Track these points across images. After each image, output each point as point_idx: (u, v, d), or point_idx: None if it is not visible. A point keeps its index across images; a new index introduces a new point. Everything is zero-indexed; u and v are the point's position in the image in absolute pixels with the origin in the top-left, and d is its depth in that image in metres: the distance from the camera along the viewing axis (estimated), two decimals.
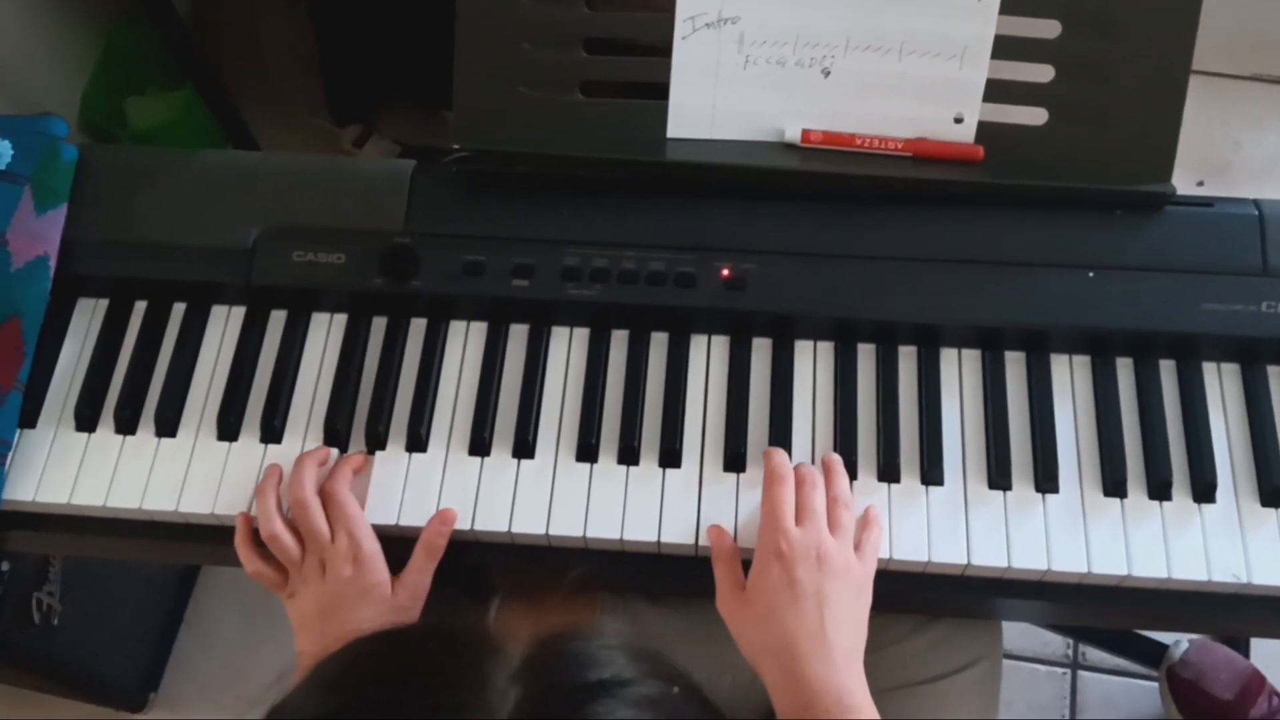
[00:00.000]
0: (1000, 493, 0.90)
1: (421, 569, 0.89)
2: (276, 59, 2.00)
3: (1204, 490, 0.90)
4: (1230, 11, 1.97)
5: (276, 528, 0.87)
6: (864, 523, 0.88)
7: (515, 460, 0.93)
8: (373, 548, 0.87)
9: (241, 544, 0.90)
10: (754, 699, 0.97)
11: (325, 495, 0.88)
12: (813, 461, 0.92)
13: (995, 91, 0.94)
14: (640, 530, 0.90)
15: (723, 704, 0.97)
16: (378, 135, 1.94)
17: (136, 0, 1.60)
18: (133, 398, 0.96)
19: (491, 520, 0.90)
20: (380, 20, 1.75)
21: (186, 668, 1.68)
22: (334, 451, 0.93)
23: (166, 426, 0.95)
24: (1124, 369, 0.95)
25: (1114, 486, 0.90)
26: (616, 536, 0.90)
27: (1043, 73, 0.93)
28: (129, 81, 1.76)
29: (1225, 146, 1.97)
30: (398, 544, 0.89)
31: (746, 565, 0.86)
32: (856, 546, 0.85)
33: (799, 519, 0.84)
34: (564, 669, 0.56)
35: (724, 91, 0.96)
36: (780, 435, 0.92)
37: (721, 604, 0.85)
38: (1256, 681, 1.43)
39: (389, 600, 0.86)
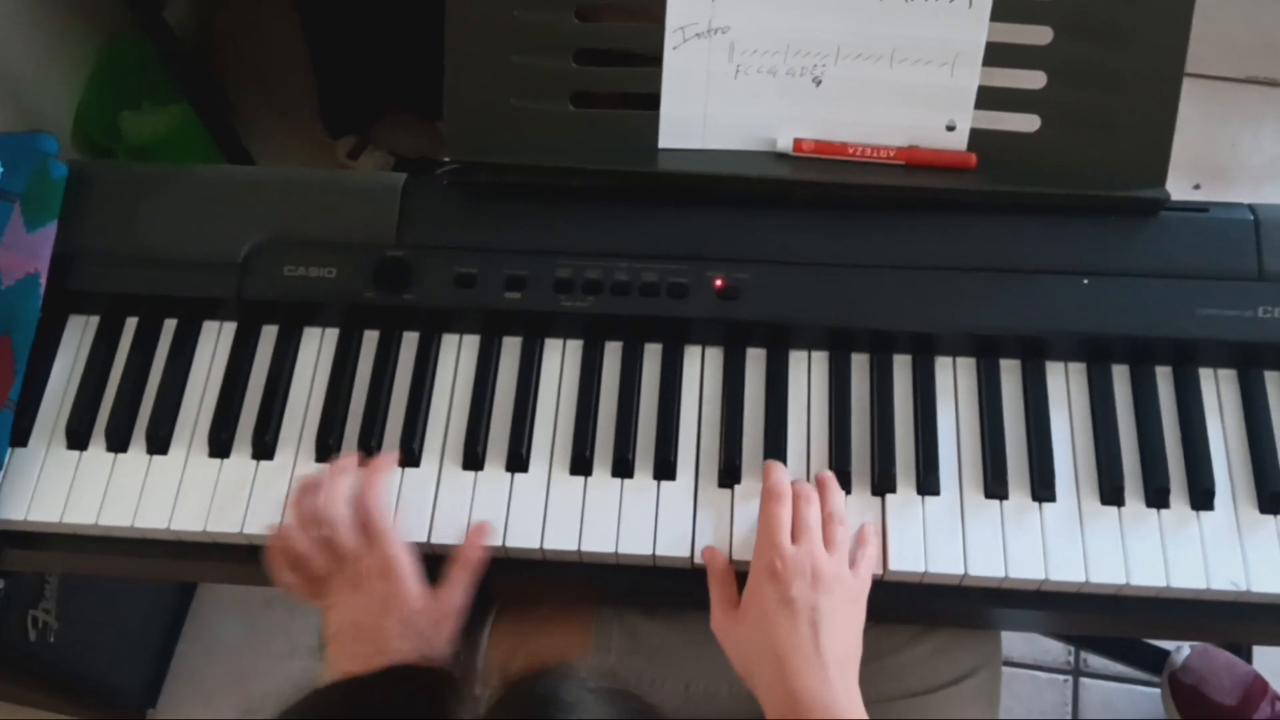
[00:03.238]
0: (997, 502, 0.90)
1: (459, 583, 0.87)
2: (273, 70, 2.01)
3: (1202, 497, 0.89)
4: (1226, 15, 1.98)
5: (308, 543, 0.87)
6: (860, 539, 0.88)
7: (509, 474, 0.92)
8: (405, 562, 0.85)
9: (273, 558, 0.89)
10: (751, 709, 0.96)
11: (357, 508, 0.87)
12: (808, 473, 0.91)
13: (987, 98, 0.94)
14: (635, 543, 0.89)
15: (720, 715, 0.97)
16: (372, 146, 1.94)
17: (131, 15, 1.60)
18: (124, 415, 0.96)
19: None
20: (374, 32, 1.75)
21: (187, 679, 1.68)
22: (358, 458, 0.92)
23: (158, 444, 0.94)
24: (1120, 376, 0.95)
25: (1111, 494, 0.90)
26: (611, 550, 0.89)
27: (1035, 79, 0.93)
28: (124, 96, 1.76)
29: (1222, 149, 1.97)
30: None
31: (741, 578, 0.85)
32: (852, 562, 0.85)
33: (794, 536, 0.84)
34: (530, 713, 0.56)
35: (715, 101, 0.95)
36: (775, 446, 0.92)
37: (715, 623, 0.85)
38: (1259, 687, 1.43)
39: (422, 614, 0.85)
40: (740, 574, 0.86)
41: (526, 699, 0.57)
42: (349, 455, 0.91)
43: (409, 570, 0.86)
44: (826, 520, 0.86)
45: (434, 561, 0.89)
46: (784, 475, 0.87)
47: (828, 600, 0.81)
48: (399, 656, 0.83)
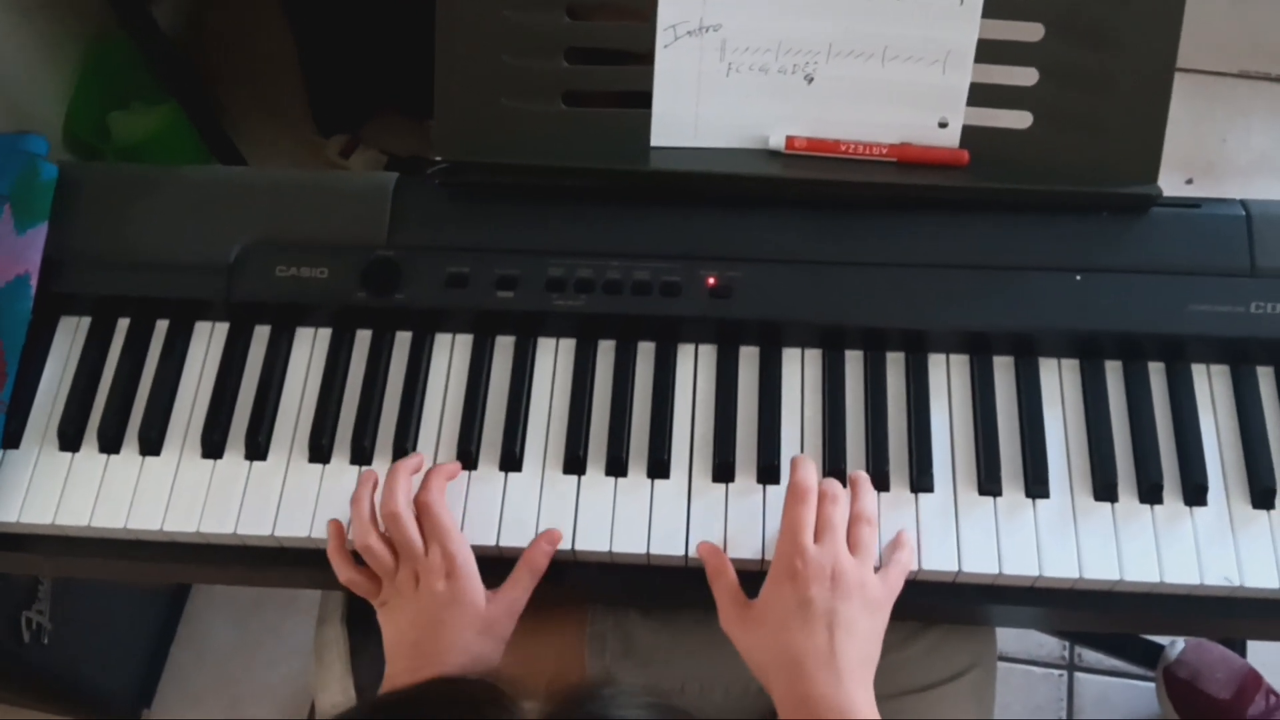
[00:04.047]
0: (990, 499, 0.90)
1: (522, 586, 0.87)
2: (263, 69, 2.00)
3: (1195, 493, 0.89)
4: (1217, 9, 1.98)
5: (371, 539, 0.86)
6: (894, 544, 0.87)
7: (502, 473, 0.92)
8: (467, 562, 0.85)
9: (335, 552, 0.89)
10: (747, 709, 0.97)
11: (420, 507, 0.87)
12: None
13: (979, 95, 0.94)
14: (629, 542, 0.89)
15: (715, 715, 0.97)
16: (364, 145, 1.93)
17: (119, 15, 1.59)
18: (116, 416, 0.95)
19: (478, 534, 0.90)
20: (364, 30, 1.74)
21: (181, 681, 1.68)
22: (425, 458, 0.92)
23: (150, 445, 0.94)
24: (1113, 372, 0.95)
25: (1104, 490, 0.90)
26: (606, 549, 0.89)
27: (1027, 76, 0.93)
28: (113, 96, 1.75)
29: (1212, 143, 1.97)
30: None
31: (740, 577, 0.85)
32: (883, 566, 0.84)
33: (817, 536, 0.82)
34: None
35: (707, 99, 0.95)
36: (768, 444, 0.92)
37: (725, 622, 0.84)
38: (1253, 680, 1.43)
39: (482, 616, 0.85)
40: (739, 571, 0.85)
41: (576, 715, 0.57)
42: (415, 455, 0.91)
43: (470, 570, 0.86)
44: (854, 521, 0.84)
45: None
46: (810, 472, 0.85)
47: (846, 604, 0.79)
48: (456, 654, 0.83)
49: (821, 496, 0.84)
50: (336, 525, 0.89)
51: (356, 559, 0.89)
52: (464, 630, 0.84)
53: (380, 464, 0.93)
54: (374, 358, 0.97)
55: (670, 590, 0.91)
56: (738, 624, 0.83)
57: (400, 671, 0.85)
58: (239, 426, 0.95)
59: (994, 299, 0.93)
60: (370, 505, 0.88)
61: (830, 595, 0.80)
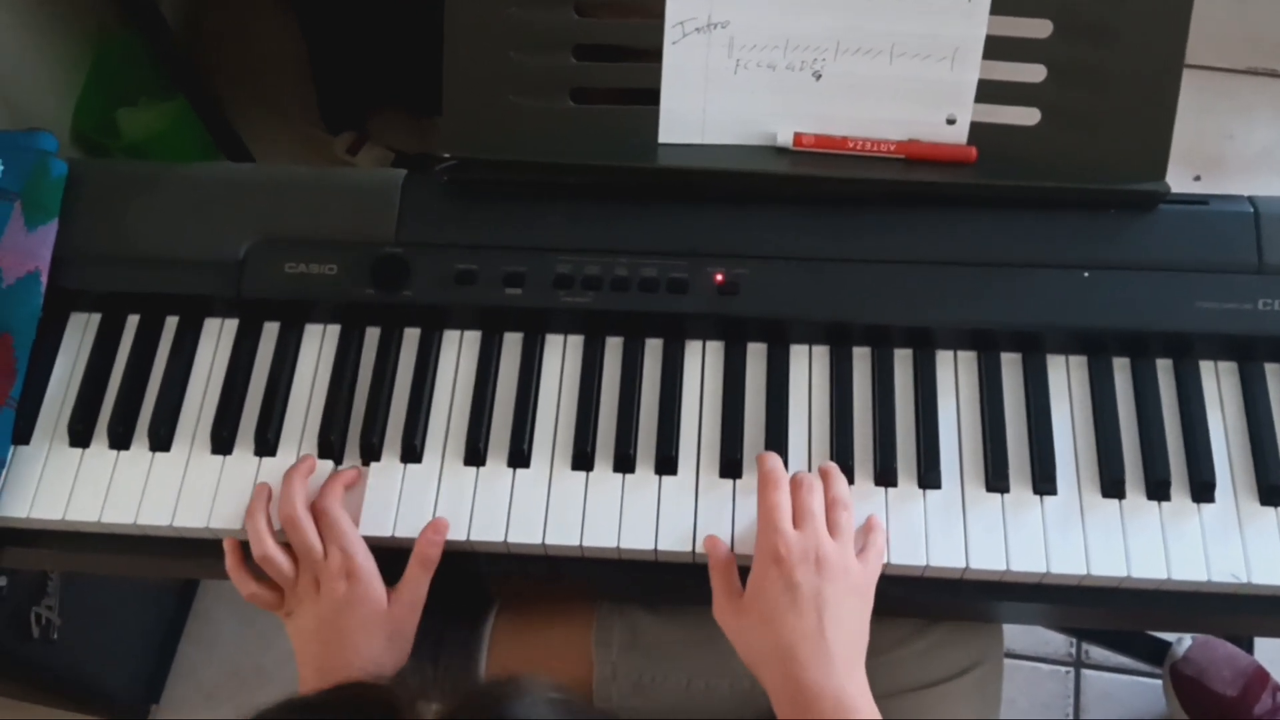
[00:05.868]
0: (998, 495, 0.90)
1: (416, 580, 0.88)
2: (269, 66, 2.00)
3: (1202, 490, 0.90)
4: (1222, 5, 1.98)
5: (269, 548, 0.87)
6: (866, 528, 0.87)
7: (511, 470, 0.92)
8: (366, 562, 0.86)
9: (234, 568, 0.89)
10: (753, 705, 0.97)
11: (317, 511, 0.88)
12: (809, 467, 0.91)
13: (987, 92, 0.94)
14: (637, 538, 0.89)
15: (721, 711, 0.97)
16: (371, 142, 1.93)
17: (126, 11, 1.59)
18: (126, 412, 0.96)
19: (487, 531, 0.90)
20: (372, 27, 1.74)
21: (189, 677, 1.68)
22: (320, 462, 0.93)
23: (160, 441, 0.95)
24: (1121, 369, 0.95)
25: (1112, 487, 0.90)
26: (613, 545, 0.89)
27: (1035, 73, 0.93)
28: (120, 92, 1.75)
29: (1217, 139, 1.97)
30: (394, 555, 0.89)
31: (743, 571, 0.85)
32: (859, 551, 0.85)
33: (797, 522, 0.83)
34: None
35: (715, 96, 0.95)
36: (776, 440, 0.92)
37: (718, 612, 0.84)
38: (1260, 678, 1.43)
39: (384, 614, 0.86)
40: (742, 567, 0.86)
41: (475, 715, 0.57)
42: (306, 458, 0.92)
43: (370, 571, 0.86)
44: (830, 506, 0.85)
45: (450, 560, 0.90)
46: (777, 462, 0.86)
47: (833, 587, 0.80)
48: (363, 655, 0.84)
49: (797, 485, 0.85)
50: (233, 542, 0.90)
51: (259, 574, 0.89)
52: (368, 630, 0.85)
53: (389, 461, 0.93)
54: (382, 354, 0.97)
55: (677, 586, 0.91)
56: (729, 614, 0.83)
57: (309, 677, 0.86)
58: (248, 423, 0.95)
59: (1002, 296, 0.93)
60: (266, 517, 0.88)
61: (816, 578, 0.80)
